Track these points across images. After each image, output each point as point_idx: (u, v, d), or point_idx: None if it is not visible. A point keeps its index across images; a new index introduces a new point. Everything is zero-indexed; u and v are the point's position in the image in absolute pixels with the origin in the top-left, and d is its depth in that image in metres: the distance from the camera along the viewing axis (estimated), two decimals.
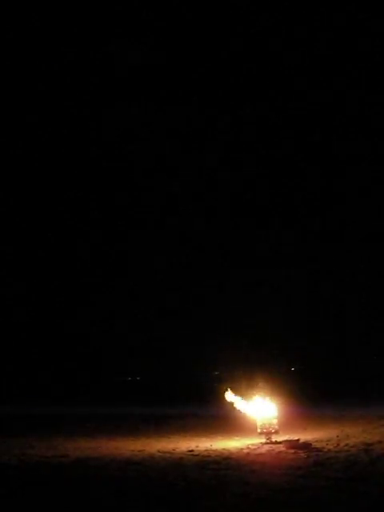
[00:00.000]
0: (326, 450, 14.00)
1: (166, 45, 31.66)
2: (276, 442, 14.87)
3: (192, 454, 14.06)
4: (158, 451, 14.62)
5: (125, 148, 32.55)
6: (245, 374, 21.42)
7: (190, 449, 14.75)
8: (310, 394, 25.25)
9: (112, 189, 33.72)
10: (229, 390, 16.28)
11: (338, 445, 14.58)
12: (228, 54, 31.88)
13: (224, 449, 14.56)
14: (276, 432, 15.31)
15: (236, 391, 16.33)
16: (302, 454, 13.53)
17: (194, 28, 31.41)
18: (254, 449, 14.43)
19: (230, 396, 16.23)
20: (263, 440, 15.12)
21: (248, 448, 14.55)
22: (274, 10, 30.92)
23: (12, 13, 31.05)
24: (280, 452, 13.90)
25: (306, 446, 14.23)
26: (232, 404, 16.27)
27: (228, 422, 17.88)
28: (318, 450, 13.98)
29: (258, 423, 15.43)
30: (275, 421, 15.41)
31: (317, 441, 15.11)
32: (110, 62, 31.76)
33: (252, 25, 31.04)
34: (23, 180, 33.56)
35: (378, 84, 31.07)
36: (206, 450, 14.50)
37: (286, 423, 16.38)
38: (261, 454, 13.72)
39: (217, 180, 32.78)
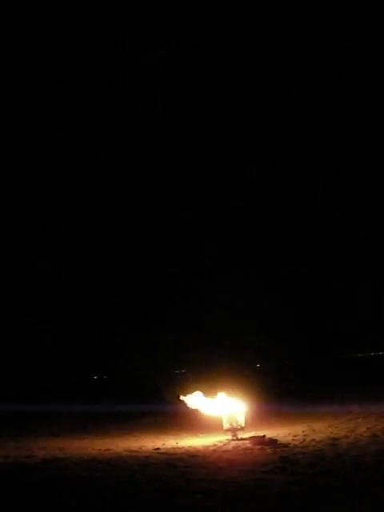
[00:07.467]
0: (292, 445, 14.05)
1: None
2: (242, 439, 14.91)
3: (158, 452, 14.05)
4: (125, 450, 14.59)
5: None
6: (210, 371, 21.44)
7: (157, 447, 14.74)
8: (276, 390, 25.35)
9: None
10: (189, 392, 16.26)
11: (304, 440, 14.65)
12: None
13: (190, 446, 14.56)
14: (242, 429, 15.36)
15: (201, 389, 16.33)
16: (268, 450, 13.57)
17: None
18: (221, 446, 14.44)
19: (192, 397, 16.23)
20: (229, 437, 15.15)
21: (214, 445, 14.56)
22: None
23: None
24: (246, 448, 13.92)
25: (272, 442, 14.28)
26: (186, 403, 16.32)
27: (194, 419, 17.88)
28: (284, 445, 14.03)
29: (224, 420, 15.46)
30: (241, 418, 15.45)
31: (283, 437, 15.18)
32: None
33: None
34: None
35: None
36: (172, 448, 14.50)
37: (252, 420, 16.42)
38: (227, 451, 13.74)
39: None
